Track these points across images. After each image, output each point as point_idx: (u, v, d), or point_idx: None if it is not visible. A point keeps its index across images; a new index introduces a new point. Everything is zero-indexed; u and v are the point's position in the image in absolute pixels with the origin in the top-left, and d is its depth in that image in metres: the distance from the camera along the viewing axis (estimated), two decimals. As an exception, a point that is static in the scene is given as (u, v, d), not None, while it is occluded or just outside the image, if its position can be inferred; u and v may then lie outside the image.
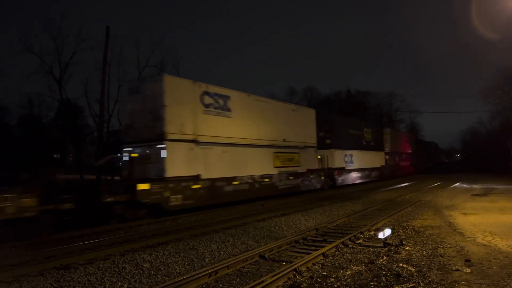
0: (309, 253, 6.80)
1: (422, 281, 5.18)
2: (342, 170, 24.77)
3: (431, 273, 5.54)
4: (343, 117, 29.03)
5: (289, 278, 5.49)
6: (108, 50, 19.65)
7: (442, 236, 8.23)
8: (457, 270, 5.69)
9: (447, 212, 11.82)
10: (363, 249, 7.28)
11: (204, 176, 13.52)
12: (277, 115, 18.14)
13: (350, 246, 7.53)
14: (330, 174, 23.12)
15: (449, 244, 7.42)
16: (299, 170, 19.42)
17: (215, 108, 14.43)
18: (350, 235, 8.19)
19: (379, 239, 8.18)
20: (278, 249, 7.37)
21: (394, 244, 7.37)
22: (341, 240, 7.75)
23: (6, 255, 7.21)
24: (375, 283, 5.20)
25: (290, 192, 18.41)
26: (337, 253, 7.02)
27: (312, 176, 20.53)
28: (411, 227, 9.29)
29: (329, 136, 23.64)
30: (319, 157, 22.03)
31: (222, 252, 7.39)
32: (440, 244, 7.40)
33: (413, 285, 5.05)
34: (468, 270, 5.66)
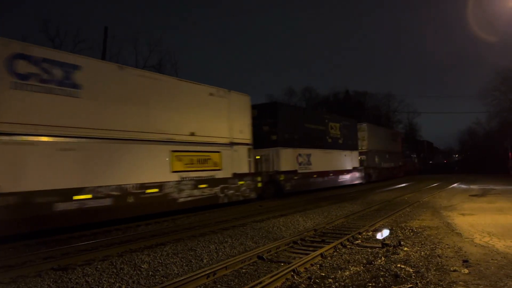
0: (307, 254, 6.80)
1: (420, 282, 5.19)
2: (293, 174, 19.48)
3: (429, 274, 5.55)
4: (296, 108, 23.27)
5: (287, 279, 5.49)
6: (106, 50, 19.67)
7: (440, 236, 8.25)
8: (455, 270, 5.70)
9: (445, 213, 11.85)
10: (361, 249, 7.29)
11: (6, 189, 8.42)
12: (181, 100, 13.04)
13: (348, 246, 7.54)
14: (275, 179, 18.26)
15: (447, 244, 7.44)
16: (220, 175, 14.33)
17: (44, 81, 9.35)
18: (348, 236, 8.20)
19: (377, 239, 8.19)
20: (277, 250, 7.37)
21: (392, 244, 7.38)
22: (339, 240, 7.76)
23: (3, 256, 7.20)
24: (373, 284, 5.21)
25: (200, 206, 13.42)
26: (335, 253, 7.02)
27: (241, 182, 15.36)
28: (409, 228, 9.30)
29: (275, 131, 18.57)
30: (259, 157, 17.88)
31: (221, 253, 7.39)
32: (438, 245, 7.42)
33: (411, 285, 5.06)
34: (466, 271, 5.67)
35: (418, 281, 5.22)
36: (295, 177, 19.64)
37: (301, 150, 20.41)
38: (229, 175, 14.88)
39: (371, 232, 8.95)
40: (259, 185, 16.73)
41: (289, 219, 11.29)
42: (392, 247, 7.21)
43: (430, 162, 57.39)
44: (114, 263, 6.58)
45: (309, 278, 5.52)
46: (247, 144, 16.02)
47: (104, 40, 20.56)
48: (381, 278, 5.41)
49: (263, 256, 6.76)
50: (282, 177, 18.50)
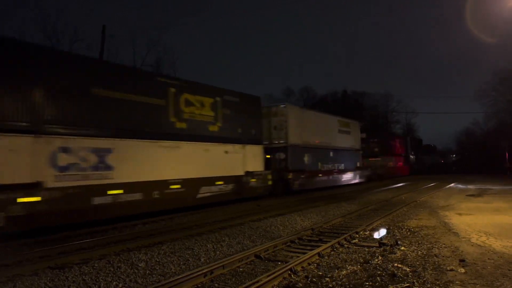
0: (304, 253, 6.81)
1: (417, 281, 5.20)
2: (28, 193, 8.62)
3: (426, 273, 5.57)
4: (55, 52, 11.99)
5: (284, 278, 5.49)
6: (104, 49, 19.60)
7: (437, 236, 8.27)
8: (451, 270, 5.72)
9: (442, 213, 11.88)
10: (358, 249, 7.30)
11: None
12: None
13: (346, 246, 7.55)
14: None
15: (444, 244, 7.46)
16: None
17: None
18: (345, 235, 8.21)
19: (374, 239, 8.20)
20: (274, 249, 7.37)
21: (389, 244, 7.40)
22: (337, 240, 7.77)
23: (0, 254, 7.17)
24: (370, 283, 5.22)
25: None
26: (332, 253, 7.04)
27: None
28: (406, 227, 9.33)
29: None
30: None
31: (218, 252, 7.39)
32: (435, 244, 7.44)
33: (407, 285, 5.07)
34: (463, 270, 5.69)
35: (415, 280, 5.23)
36: (38, 199, 8.84)
37: (75, 141, 9.85)
38: None
39: (368, 232, 8.96)
40: None
41: (287, 218, 11.29)
42: (389, 247, 7.23)
43: (425, 163, 54.12)
44: (111, 262, 6.56)
45: (306, 277, 5.53)
46: None
47: (102, 39, 20.51)
48: (378, 277, 5.42)
49: (261, 255, 6.76)
50: None
